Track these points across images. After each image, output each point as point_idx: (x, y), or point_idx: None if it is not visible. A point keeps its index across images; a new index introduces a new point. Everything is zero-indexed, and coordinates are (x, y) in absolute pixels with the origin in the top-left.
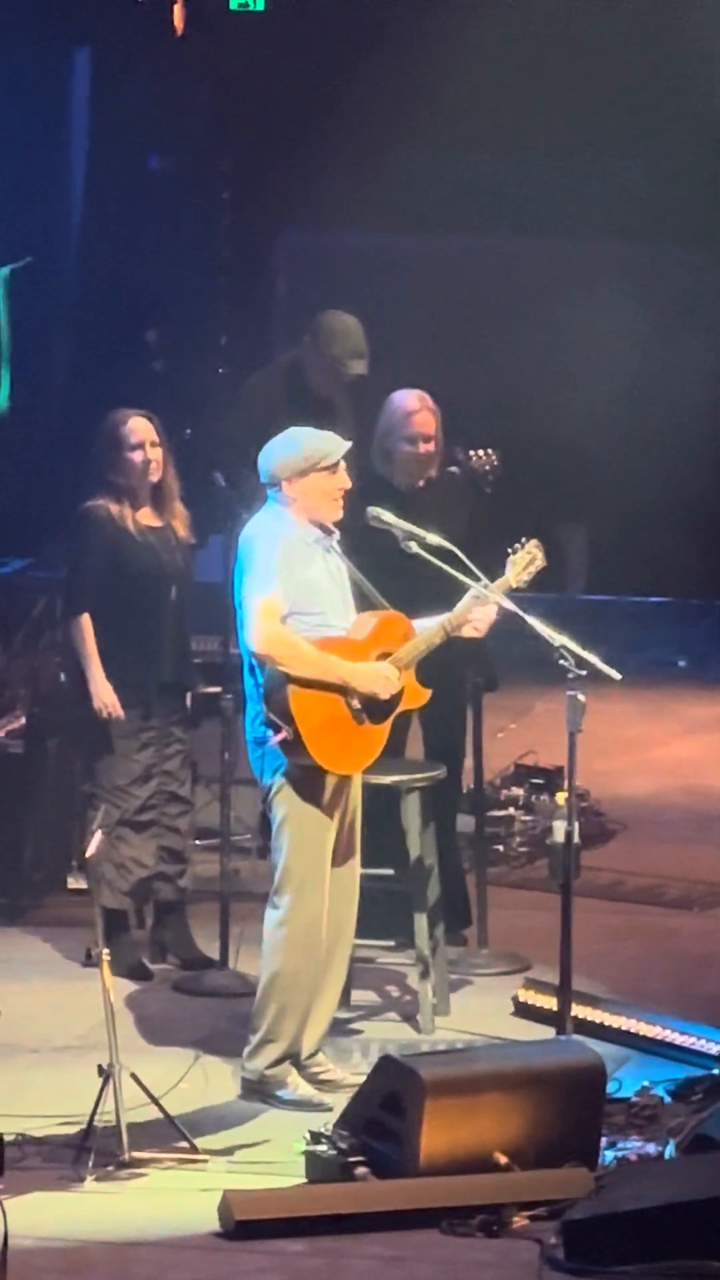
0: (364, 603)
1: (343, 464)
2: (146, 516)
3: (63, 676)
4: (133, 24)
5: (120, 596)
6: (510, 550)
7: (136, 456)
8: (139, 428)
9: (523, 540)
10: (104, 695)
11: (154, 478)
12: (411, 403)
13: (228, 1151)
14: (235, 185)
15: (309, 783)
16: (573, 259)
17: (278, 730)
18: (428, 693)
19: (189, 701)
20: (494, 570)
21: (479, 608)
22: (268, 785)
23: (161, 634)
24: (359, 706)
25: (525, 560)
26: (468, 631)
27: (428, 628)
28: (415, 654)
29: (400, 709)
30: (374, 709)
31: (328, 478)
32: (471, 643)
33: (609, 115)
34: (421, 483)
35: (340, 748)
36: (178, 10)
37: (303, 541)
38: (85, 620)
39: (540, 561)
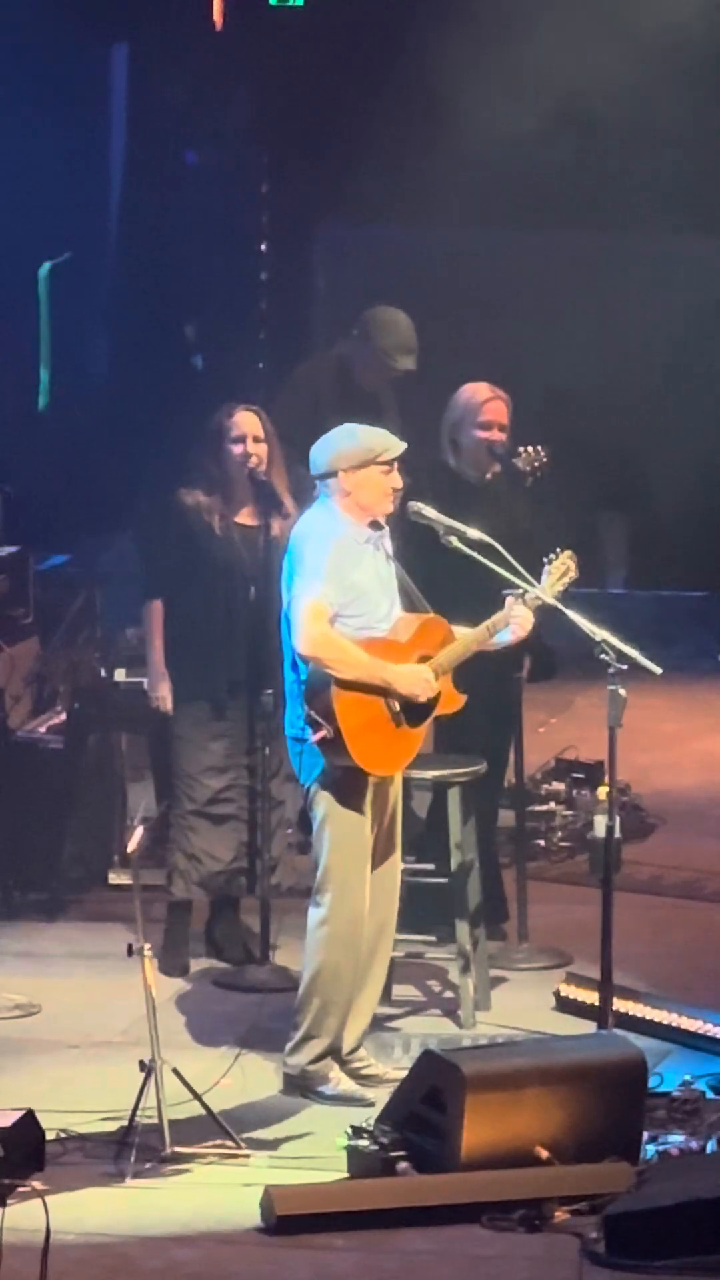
0: (406, 602)
1: (396, 464)
2: (242, 514)
3: (104, 673)
4: (171, 19)
5: (194, 589)
6: (545, 560)
7: (236, 450)
8: (243, 421)
9: (557, 550)
10: (157, 685)
11: (250, 473)
12: (484, 392)
13: (270, 1146)
14: (273, 180)
15: (349, 782)
16: (615, 252)
17: (318, 729)
18: (463, 698)
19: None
20: (534, 567)
21: (517, 609)
22: (308, 784)
23: (235, 632)
24: (398, 709)
25: (560, 571)
26: (507, 639)
27: (467, 633)
28: (454, 659)
29: (436, 713)
30: (412, 712)
31: (384, 474)
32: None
33: (652, 107)
34: (490, 475)
35: (379, 749)
36: (217, 5)
37: (353, 541)
38: (156, 606)
39: (573, 573)
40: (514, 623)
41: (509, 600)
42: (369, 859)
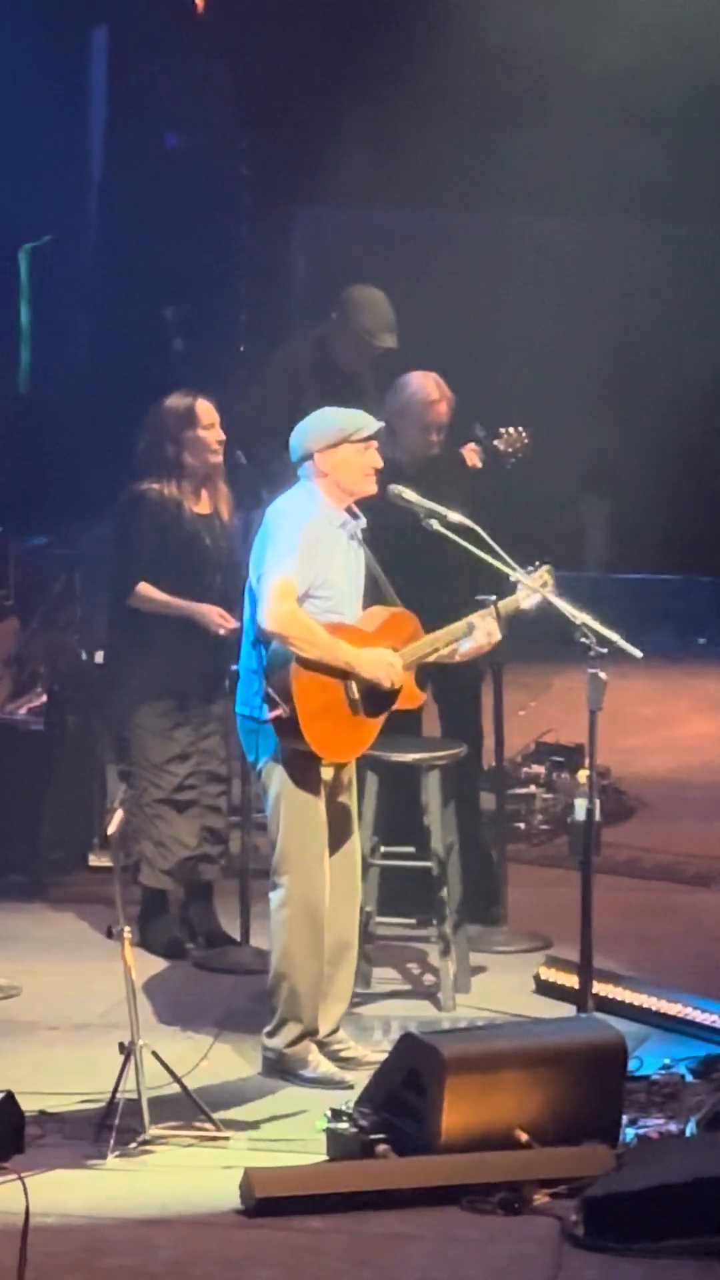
0: (376, 593)
1: (374, 443)
2: (198, 502)
3: (84, 655)
4: (152, 2)
5: (166, 582)
6: (527, 569)
7: (210, 437)
8: (209, 409)
9: (536, 562)
10: (207, 612)
11: (215, 459)
12: (430, 391)
13: (249, 1129)
14: (254, 163)
15: (301, 762)
16: (596, 236)
17: (274, 707)
18: (424, 696)
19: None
20: (511, 549)
21: (487, 622)
22: (260, 765)
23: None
24: (357, 697)
25: (537, 583)
26: (467, 649)
27: (438, 631)
28: (419, 655)
29: (395, 708)
30: (371, 701)
31: (360, 452)
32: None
33: (632, 92)
34: (425, 460)
35: (333, 735)
36: None
37: (328, 524)
38: (144, 585)
39: (550, 588)
40: (479, 631)
41: (482, 612)
42: (325, 837)
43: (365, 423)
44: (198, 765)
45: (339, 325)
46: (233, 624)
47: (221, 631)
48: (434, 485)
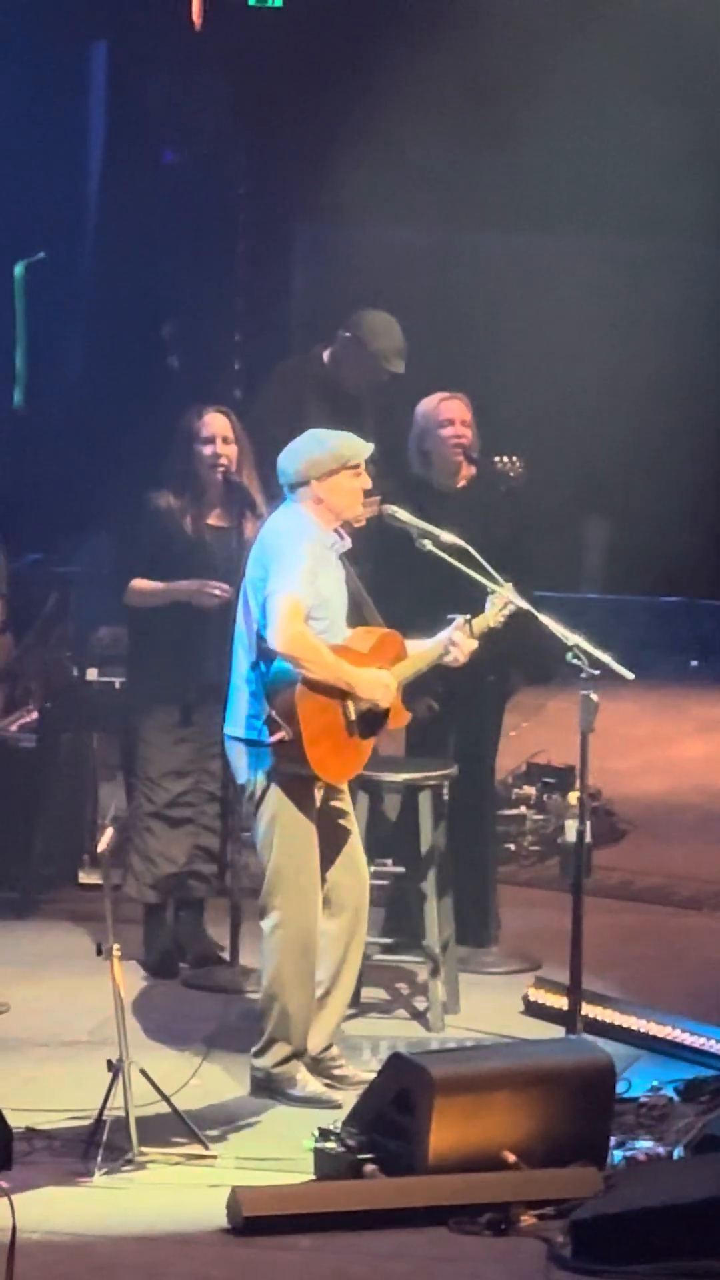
0: (357, 613)
1: (363, 466)
2: (213, 516)
3: (76, 671)
4: (150, 18)
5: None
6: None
7: (206, 451)
8: (212, 422)
9: (499, 581)
10: (198, 587)
11: (220, 474)
12: (440, 394)
13: (237, 1148)
14: (251, 180)
15: (297, 784)
16: (595, 255)
17: (276, 729)
18: (409, 715)
19: None
20: (517, 573)
21: (457, 635)
22: (252, 787)
23: (208, 634)
24: (354, 718)
25: (505, 598)
26: (447, 660)
27: (418, 650)
28: (406, 674)
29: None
30: (366, 722)
31: (352, 477)
32: (511, 642)
33: (626, 112)
34: (462, 482)
35: (332, 756)
36: (195, 5)
37: (323, 546)
38: (136, 581)
39: (510, 602)
40: (453, 649)
41: (455, 623)
42: (317, 860)
43: (360, 449)
44: (196, 784)
45: (352, 345)
46: (226, 592)
47: (215, 601)
48: (470, 508)
